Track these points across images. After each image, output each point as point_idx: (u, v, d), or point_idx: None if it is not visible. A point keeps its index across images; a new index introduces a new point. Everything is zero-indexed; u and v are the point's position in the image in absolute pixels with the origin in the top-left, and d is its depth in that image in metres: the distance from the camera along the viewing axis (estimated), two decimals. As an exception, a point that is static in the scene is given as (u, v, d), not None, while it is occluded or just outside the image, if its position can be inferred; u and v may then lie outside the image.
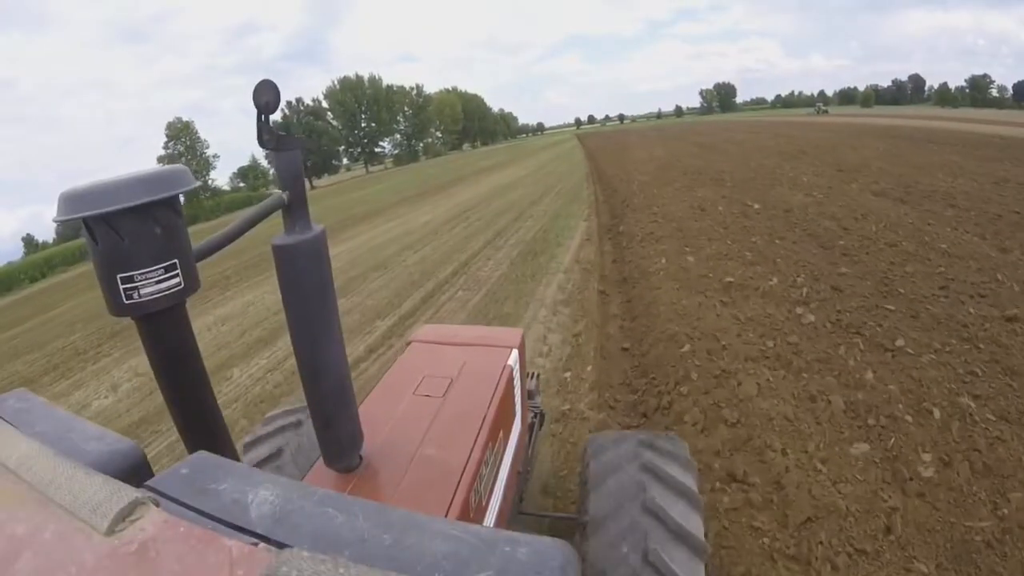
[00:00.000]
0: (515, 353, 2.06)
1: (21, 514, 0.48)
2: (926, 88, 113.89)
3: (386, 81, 71.60)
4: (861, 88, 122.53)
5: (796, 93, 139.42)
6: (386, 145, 75.16)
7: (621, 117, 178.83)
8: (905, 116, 38.68)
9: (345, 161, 71.89)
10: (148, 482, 0.58)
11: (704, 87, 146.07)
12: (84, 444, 0.64)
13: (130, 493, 0.48)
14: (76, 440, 0.65)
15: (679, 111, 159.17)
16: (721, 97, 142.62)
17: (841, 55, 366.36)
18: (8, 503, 0.49)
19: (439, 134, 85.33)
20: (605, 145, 35.66)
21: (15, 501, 0.49)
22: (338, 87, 67.45)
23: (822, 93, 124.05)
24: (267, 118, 0.96)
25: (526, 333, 3.10)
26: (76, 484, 0.49)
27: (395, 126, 74.99)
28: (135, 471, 0.63)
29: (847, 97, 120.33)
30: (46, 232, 44.47)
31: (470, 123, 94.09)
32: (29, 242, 45.69)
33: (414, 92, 77.83)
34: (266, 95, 0.94)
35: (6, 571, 0.43)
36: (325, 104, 66.87)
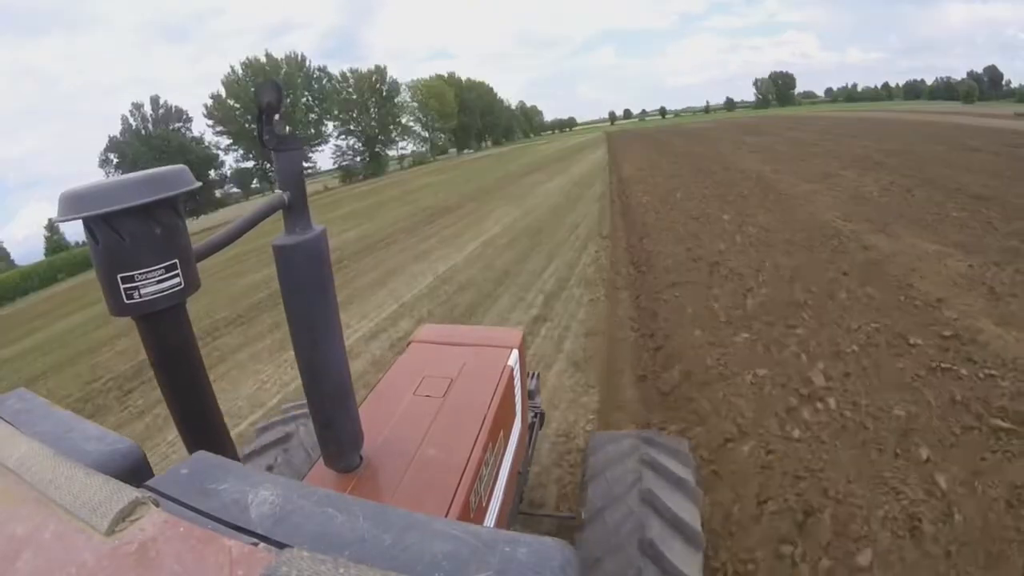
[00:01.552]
0: (515, 353, 2.06)
1: (21, 514, 0.48)
2: (1003, 83, 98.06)
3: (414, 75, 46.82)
4: (929, 81, 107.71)
5: (851, 86, 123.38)
6: (325, 151, 52.25)
7: (662, 111, 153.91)
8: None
9: (256, 183, 45.92)
10: (148, 482, 0.58)
11: (758, 76, 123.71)
12: (84, 444, 0.64)
13: (130, 493, 0.48)
14: (76, 440, 0.65)
15: (731, 104, 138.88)
16: (778, 89, 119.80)
17: (879, 48, 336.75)
18: (8, 503, 0.50)
19: (425, 133, 61.79)
20: (646, 154, 23.20)
21: (15, 501, 0.50)
22: (240, 75, 42.69)
23: (885, 85, 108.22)
24: (269, 118, 0.97)
25: None
26: (76, 484, 0.50)
27: (343, 124, 51.22)
28: (135, 471, 0.62)
29: (912, 91, 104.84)
30: (74, 233, 40.04)
31: (469, 118, 68.08)
32: (52, 243, 40.32)
33: (373, 77, 52.22)
34: (269, 95, 0.95)
35: (6, 571, 0.43)
36: (229, 98, 42.08)
